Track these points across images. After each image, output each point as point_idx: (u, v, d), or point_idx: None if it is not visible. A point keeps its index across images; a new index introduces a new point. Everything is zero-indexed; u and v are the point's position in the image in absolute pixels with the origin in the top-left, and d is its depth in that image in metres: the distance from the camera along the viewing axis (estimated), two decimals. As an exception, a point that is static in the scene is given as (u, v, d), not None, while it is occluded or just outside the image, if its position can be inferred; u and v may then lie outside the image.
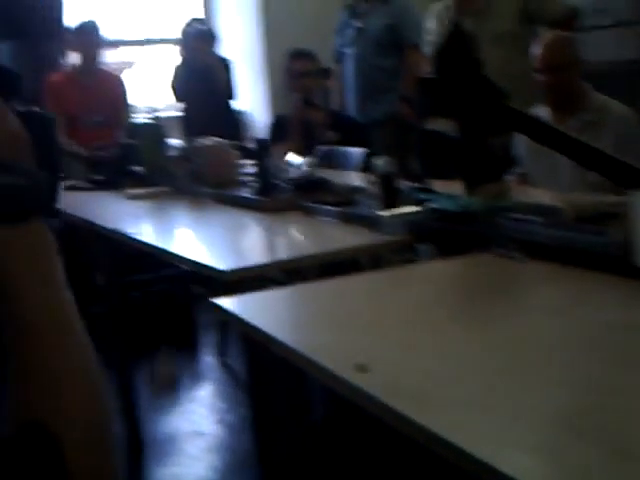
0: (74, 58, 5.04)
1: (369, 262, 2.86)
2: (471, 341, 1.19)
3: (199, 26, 5.12)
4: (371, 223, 1.99)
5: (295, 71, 4.35)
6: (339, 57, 5.05)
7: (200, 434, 3.24)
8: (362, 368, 1.06)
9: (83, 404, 0.82)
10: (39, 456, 0.75)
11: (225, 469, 3.01)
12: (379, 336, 1.22)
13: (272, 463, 2.02)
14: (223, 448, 3.14)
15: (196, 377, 3.90)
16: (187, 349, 4.23)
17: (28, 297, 0.83)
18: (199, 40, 5.00)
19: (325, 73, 4.57)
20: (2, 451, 0.74)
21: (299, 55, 4.32)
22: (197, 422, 3.34)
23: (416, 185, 2.10)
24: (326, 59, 4.72)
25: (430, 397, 0.99)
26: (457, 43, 1.78)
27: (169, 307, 4.31)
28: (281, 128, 4.15)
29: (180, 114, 5.31)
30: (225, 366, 3.95)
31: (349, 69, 4.94)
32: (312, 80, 4.27)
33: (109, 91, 4.95)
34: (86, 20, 4.94)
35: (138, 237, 2.21)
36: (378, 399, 0.98)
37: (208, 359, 4.07)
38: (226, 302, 1.41)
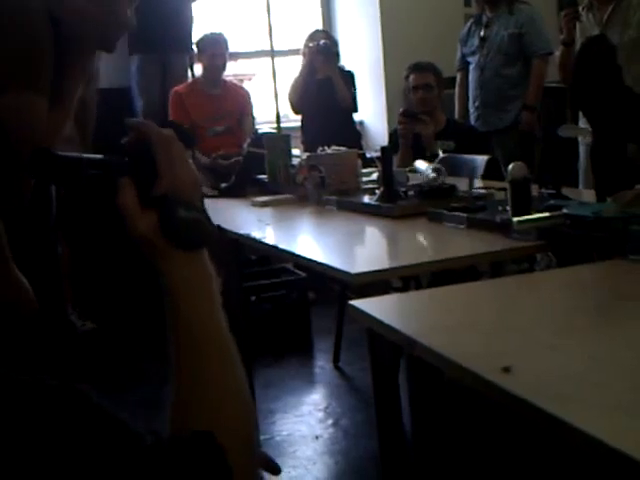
0: (200, 69, 5.19)
1: (488, 269, 2.85)
2: (615, 345, 1.18)
3: (322, 38, 5.18)
4: (501, 229, 1.98)
5: (414, 84, 4.36)
6: (462, 65, 5.08)
7: (316, 438, 3.27)
8: (506, 370, 1.07)
9: (240, 416, 0.92)
10: (211, 462, 0.84)
11: (341, 473, 3.04)
12: (520, 339, 1.22)
13: (395, 468, 2.03)
14: (339, 452, 3.16)
15: (311, 382, 3.95)
16: (302, 354, 4.30)
17: (195, 316, 0.93)
18: (321, 53, 5.07)
19: (446, 83, 4.58)
20: (178, 451, 0.82)
21: (417, 68, 4.33)
22: (313, 426, 3.38)
23: (547, 191, 2.08)
24: (446, 68, 4.72)
25: (578, 398, 0.99)
26: (599, 52, 1.77)
27: (285, 312, 4.38)
28: (397, 140, 4.17)
29: (297, 124, 5.39)
30: (339, 371, 3.99)
31: (472, 78, 4.97)
32: (430, 92, 4.28)
33: (233, 101, 5.08)
34: (213, 32, 5.08)
35: (269, 242, 2.26)
36: (526, 400, 0.99)
37: (322, 364, 4.11)
38: (363, 305, 1.43)
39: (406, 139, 4.00)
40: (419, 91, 4.24)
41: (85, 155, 0.98)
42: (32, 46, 1.85)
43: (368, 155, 4.25)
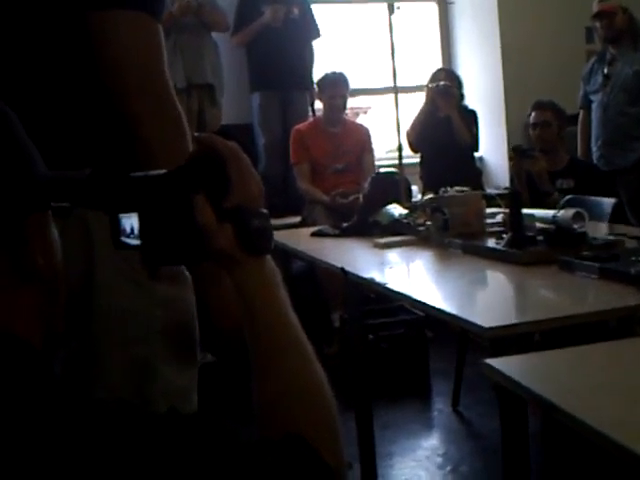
0: (321, 106, 5.26)
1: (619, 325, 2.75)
2: None
3: (444, 78, 5.17)
4: (635, 282, 1.91)
5: (533, 121, 4.41)
6: (585, 104, 4.99)
7: (435, 483, 3.23)
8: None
9: (326, 412, 0.94)
10: (308, 466, 0.86)
11: (460, 520, 2.99)
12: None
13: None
14: (458, 498, 3.12)
15: (429, 425, 3.89)
16: (420, 396, 4.24)
17: (267, 317, 0.96)
18: (441, 93, 5.06)
19: (568, 121, 4.53)
20: (274, 455, 0.84)
21: (538, 106, 4.39)
22: (432, 472, 3.33)
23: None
24: (568, 105, 4.65)
25: None
26: None
27: (403, 352, 4.34)
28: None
29: (415, 160, 5.37)
30: (458, 415, 3.92)
31: (595, 116, 4.87)
32: (547, 129, 4.30)
33: (353, 140, 5.13)
34: (334, 72, 5.14)
35: (395, 289, 2.24)
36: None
37: (441, 407, 4.05)
38: (499, 364, 1.40)
39: (519, 177, 4.03)
40: (537, 128, 4.32)
41: (151, 173, 0.99)
42: None
43: (489, 191, 4.24)
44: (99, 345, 1.39)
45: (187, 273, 1.45)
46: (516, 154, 4.07)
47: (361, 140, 5.16)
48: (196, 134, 1.03)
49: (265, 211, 0.99)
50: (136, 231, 0.98)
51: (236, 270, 0.96)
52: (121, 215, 0.99)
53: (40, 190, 0.86)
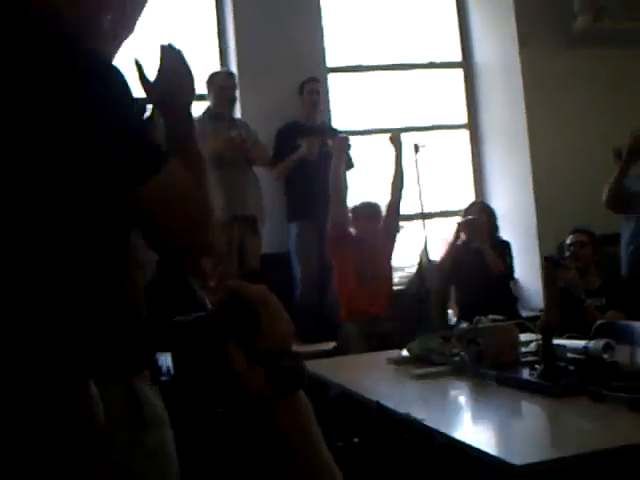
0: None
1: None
2: None
3: (476, 211, 5.35)
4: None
5: (569, 242, 4.53)
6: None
7: None
8: None
9: None
10: None
11: None
12: None
13: None
14: None
15: None
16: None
17: (302, 454, 0.98)
18: (470, 227, 5.27)
19: (602, 244, 4.64)
20: None
21: (575, 230, 4.56)
22: None
23: None
24: (602, 226, 4.74)
25: None
26: None
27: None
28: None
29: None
30: None
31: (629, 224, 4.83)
32: (582, 248, 4.45)
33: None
34: (369, 202, 5.18)
35: (426, 423, 2.28)
36: None
37: None
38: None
39: (551, 287, 4.14)
40: (572, 247, 4.50)
41: (182, 319, 1.01)
42: None
43: (523, 317, 4.29)
44: None
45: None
46: (548, 264, 4.21)
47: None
48: (224, 283, 1.05)
49: (295, 351, 1.02)
50: (171, 371, 1.02)
51: (270, 412, 0.98)
52: (158, 355, 1.05)
53: (81, 361, 0.87)
